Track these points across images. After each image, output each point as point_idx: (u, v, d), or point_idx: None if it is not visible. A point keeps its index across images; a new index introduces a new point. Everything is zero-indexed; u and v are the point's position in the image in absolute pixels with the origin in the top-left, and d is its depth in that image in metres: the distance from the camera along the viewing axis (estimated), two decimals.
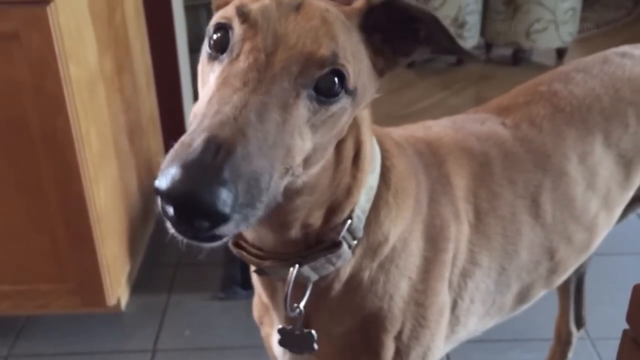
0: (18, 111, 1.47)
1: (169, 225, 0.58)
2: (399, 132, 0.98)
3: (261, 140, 0.59)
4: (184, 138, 0.58)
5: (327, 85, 0.64)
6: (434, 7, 3.33)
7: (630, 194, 1.14)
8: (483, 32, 3.55)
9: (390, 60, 0.74)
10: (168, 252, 2.12)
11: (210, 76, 0.66)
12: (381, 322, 0.86)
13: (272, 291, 0.88)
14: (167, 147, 2.26)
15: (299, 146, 0.64)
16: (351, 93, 0.67)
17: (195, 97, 2.55)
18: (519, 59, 3.57)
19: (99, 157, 1.66)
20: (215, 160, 0.55)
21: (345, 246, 0.80)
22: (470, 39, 3.47)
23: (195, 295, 1.96)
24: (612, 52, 1.19)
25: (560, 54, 3.57)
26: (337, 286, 0.84)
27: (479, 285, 0.97)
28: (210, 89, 0.63)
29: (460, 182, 0.95)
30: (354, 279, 0.84)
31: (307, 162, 0.67)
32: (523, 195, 1.00)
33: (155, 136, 2.29)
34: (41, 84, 1.44)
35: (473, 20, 3.43)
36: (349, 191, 0.79)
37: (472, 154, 0.98)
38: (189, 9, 2.59)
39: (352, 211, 0.80)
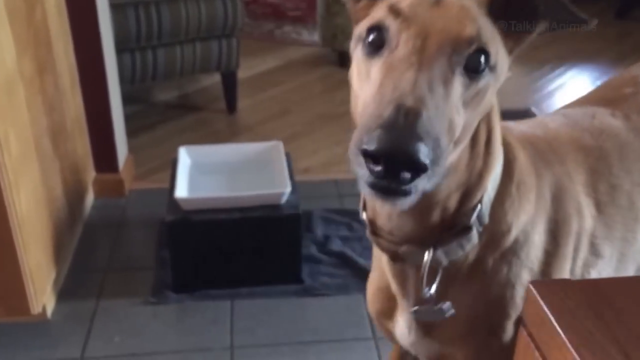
0: None
1: (367, 184, 0.66)
2: (520, 129, 1.05)
3: (434, 109, 0.67)
4: (370, 112, 0.67)
5: (475, 62, 0.73)
6: None
7: None
8: None
9: (516, 39, 0.81)
10: (97, 257, 2.08)
11: (371, 71, 0.74)
12: (504, 308, 0.91)
13: (402, 279, 0.93)
14: (95, 149, 2.21)
15: (457, 120, 0.72)
16: (493, 69, 0.75)
17: (125, 98, 2.50)
18: None
19: (20, 161, 1.61)
20: (407, 121, 0.64)
21: (474, 230, 0.86)
22: None
23: (125, 301, 1.92)
24: None
25: None
26: (463, 272, 0.90)
27: (601, 274, 1.02)
28: (376, 78, 0.72)
29: (580, 178, 1.00)
30: (478, 267, 0.90)
31: (457, 139, 0.74)
32: (639, 183, 1.06)
33: (81, 138, 2.23)
34: None
35: None
36: (481, 176, 0.85)
37: (588, 150, 1.04)
38: (116, 7, 2.54)
39: (481, 198, 0.86)
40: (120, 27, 2.55)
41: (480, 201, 0.86)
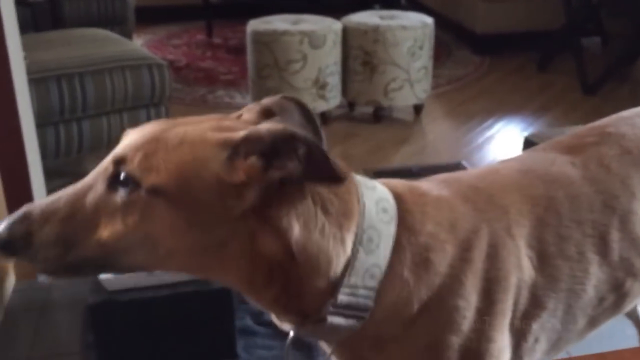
0: None
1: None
2: (466, 181, 1.04)
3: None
4: None
5: (116, 178, 0.83)
6: (295, 69, 3.42)
7: None
8: (344, 92, 3.67)
9: (258, 174, 0.81)
10: (18, 344, 1.96)
11: None
12: None
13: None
14: None
15: (105, 229, 0.82)
16: (150, 192, 0.81)
17: (52, 172, 2.41)
18: (380, 116, 3.71)
19: None
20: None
21: (338, 319, 0.87)
22: (332, 99, 3.58)
23: None
24: None
25: (418, 109, 3.75)
26: (371, 346, 0.92)
27: (545, 326, 1.02)
28: None
29: (522, 231, 0.99)
30: (381, 339, 0.91)
31: (125, 250, 0.82)
32: (591, 235, 1.05)
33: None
34: None
35: (334, 82, 3.55)
36: (300, 286, 0.86)
37: (537, 200, 1.03)
38: (37, 81, 2.48)
39: (336, 293, 0.86)
40: (42, 101, 2.49)
41: (335, 297, 0.86)
